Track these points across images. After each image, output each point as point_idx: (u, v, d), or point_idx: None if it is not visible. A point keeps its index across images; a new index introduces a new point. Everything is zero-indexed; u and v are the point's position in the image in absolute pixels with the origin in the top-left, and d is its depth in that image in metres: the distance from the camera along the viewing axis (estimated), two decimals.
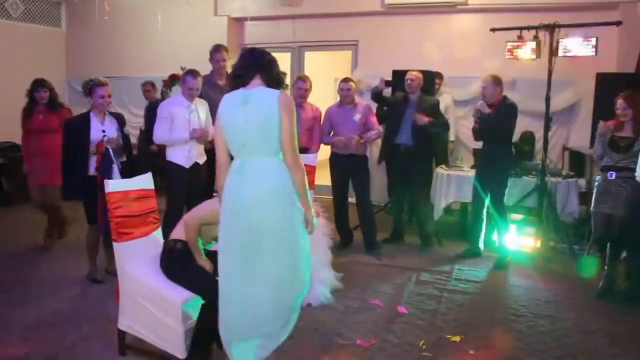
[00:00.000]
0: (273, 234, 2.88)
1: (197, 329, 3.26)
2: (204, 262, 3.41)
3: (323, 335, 3.80)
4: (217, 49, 5.58)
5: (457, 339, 3.76)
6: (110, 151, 4.60)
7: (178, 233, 3.48)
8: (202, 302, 3.28)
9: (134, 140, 5.91)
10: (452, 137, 7.18)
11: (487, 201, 5.41)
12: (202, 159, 5.18)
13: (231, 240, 2.94)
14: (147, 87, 7.56)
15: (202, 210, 3.45)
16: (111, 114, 4.82)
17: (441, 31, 7.70)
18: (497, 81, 5.21)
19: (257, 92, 2.94)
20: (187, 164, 5.04)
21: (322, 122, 5.79)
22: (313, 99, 5.93)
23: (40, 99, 5.65)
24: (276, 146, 2.90)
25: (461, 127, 7.43)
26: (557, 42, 5.52)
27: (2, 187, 7.87)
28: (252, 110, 2.88)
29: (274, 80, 3.01)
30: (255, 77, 2.97)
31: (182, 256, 3.40)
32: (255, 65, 2.98)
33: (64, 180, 4.78)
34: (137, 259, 3.46)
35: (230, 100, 2.98)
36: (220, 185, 3.02)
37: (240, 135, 2.90)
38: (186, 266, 3.38)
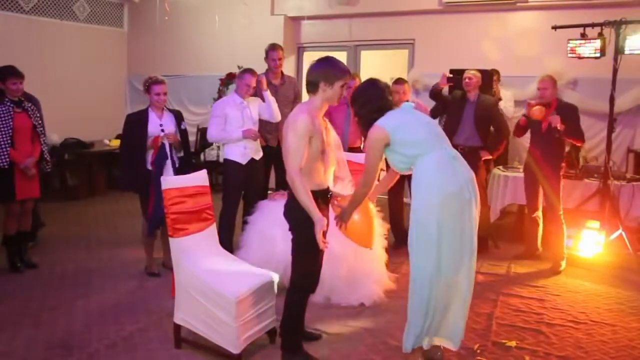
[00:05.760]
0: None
1: (289, 315, 3.31)
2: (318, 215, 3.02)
3: (375, 336, 3.78)
4: (273, 48, 5.62)
5: (512, 344, 3.68)
6: (167, 146, 4.72)
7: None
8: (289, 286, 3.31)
9: (191, 137, 6.01)
10: None
11: (542, 202, 5.28)
12: (258, 155, 5.24)
13: (459, 226, 3.12)
14: None
15: (289, 148, 3.03)
16: (169, 110, 4.94)
17: (500, 29, 7.52)
18: (555, 82, 5.19)
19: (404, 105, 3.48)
20: (243, 161, 5.12)
21: None
22: None
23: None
24: None
25: None
26: (624, 40, 5.31)
27: (67, 182, 8.19)
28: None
29: None
30: None
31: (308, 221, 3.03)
32: None
33: (122, 172, 4.94)
34: (193, 254, 3.53)
35: (398, 114, 3.29)
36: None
37: (434, 127, 3.33)
38: (309, 234, 3.03)
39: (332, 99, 3.15)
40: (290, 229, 3.24)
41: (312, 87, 3.13)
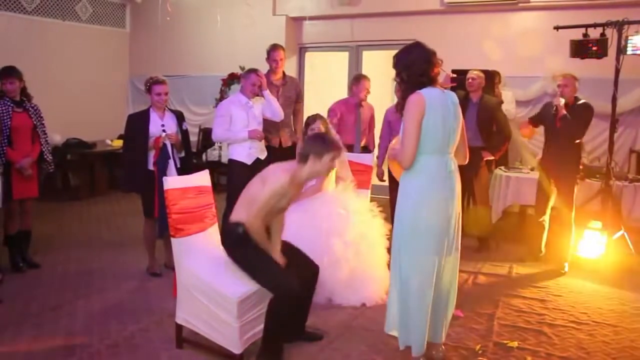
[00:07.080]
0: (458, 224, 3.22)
1: (266, 325, 3.24)
2: (278, 256, 3.35)
3: (376, 336, 3.77)
4: (274, 48, 5.64)
5: (514, 344, 3.68)
6: (168, 146, 4.72)
7: (239, 214, 3.35)
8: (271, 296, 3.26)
9: (193, 138, 6.01)
10: None
11: (551, 203, 5.27)
12: (263, 155, 5.26)
13: (448, 242, 3.13)
14: None
15: (260, 201, 3.24)
16: (170, 110, 4.94)
17: (502, 29, 7.50)
18: (576, 80, 5.12)
19: (450, 93, 3.15)
20: (248, 161, 5.13)
21: (382, 126, 5.76)
22: (371, 98, 5.92)
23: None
24: None
25: None
26: (626, 40, 5.30)
27: (70, 182, 8.19)
28: (457, 112, 3.13)
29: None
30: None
31: (245, 241, 3.28)
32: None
33: (124, 173, 4.93)
34: (194, 254, 3.53)
35: (438, 99, 3.04)
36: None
37: (452, 134, 3.09)
38: (251, 253, 3.28)
39: (320, 172, 3.33)
40: (229, 255, 3.39)
41: (302, 159, 3.29)
